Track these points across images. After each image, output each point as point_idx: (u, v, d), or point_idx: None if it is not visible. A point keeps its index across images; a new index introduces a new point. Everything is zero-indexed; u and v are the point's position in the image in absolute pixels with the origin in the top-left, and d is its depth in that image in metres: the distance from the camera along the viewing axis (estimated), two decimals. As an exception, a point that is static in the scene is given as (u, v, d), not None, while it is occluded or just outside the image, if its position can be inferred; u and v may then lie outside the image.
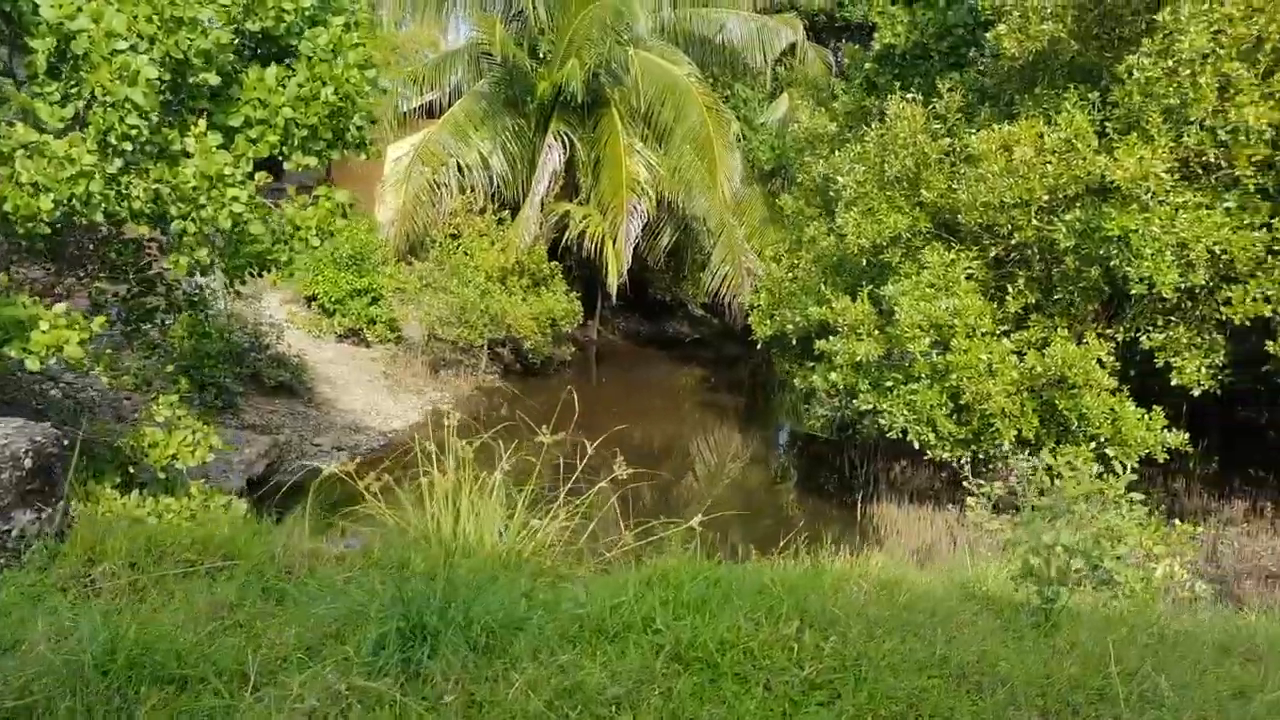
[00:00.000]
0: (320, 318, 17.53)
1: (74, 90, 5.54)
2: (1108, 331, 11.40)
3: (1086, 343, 10.64)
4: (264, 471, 12.02)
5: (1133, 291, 10.32)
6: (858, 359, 11.62)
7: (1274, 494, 12.72)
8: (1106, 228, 10.14)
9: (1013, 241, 11.18)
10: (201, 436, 7.48)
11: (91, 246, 7.36)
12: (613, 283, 20.15)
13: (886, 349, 11.55)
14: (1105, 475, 8.11)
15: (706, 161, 20.13)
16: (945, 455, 11.42)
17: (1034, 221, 10.92)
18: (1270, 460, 13.41)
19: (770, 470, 16.78)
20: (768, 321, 15.00)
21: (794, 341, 14.09)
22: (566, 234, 20.56)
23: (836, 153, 13.02)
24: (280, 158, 6.71)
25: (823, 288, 12.52)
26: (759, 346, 15.69)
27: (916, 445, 11.56)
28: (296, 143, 6.63)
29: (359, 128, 7.12)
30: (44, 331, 5.62)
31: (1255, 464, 13.59)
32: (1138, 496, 7.63)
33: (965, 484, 8.74)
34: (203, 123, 6.00)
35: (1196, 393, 10.82)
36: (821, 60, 24.77)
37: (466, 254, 18.36)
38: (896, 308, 11.18)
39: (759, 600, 4.08)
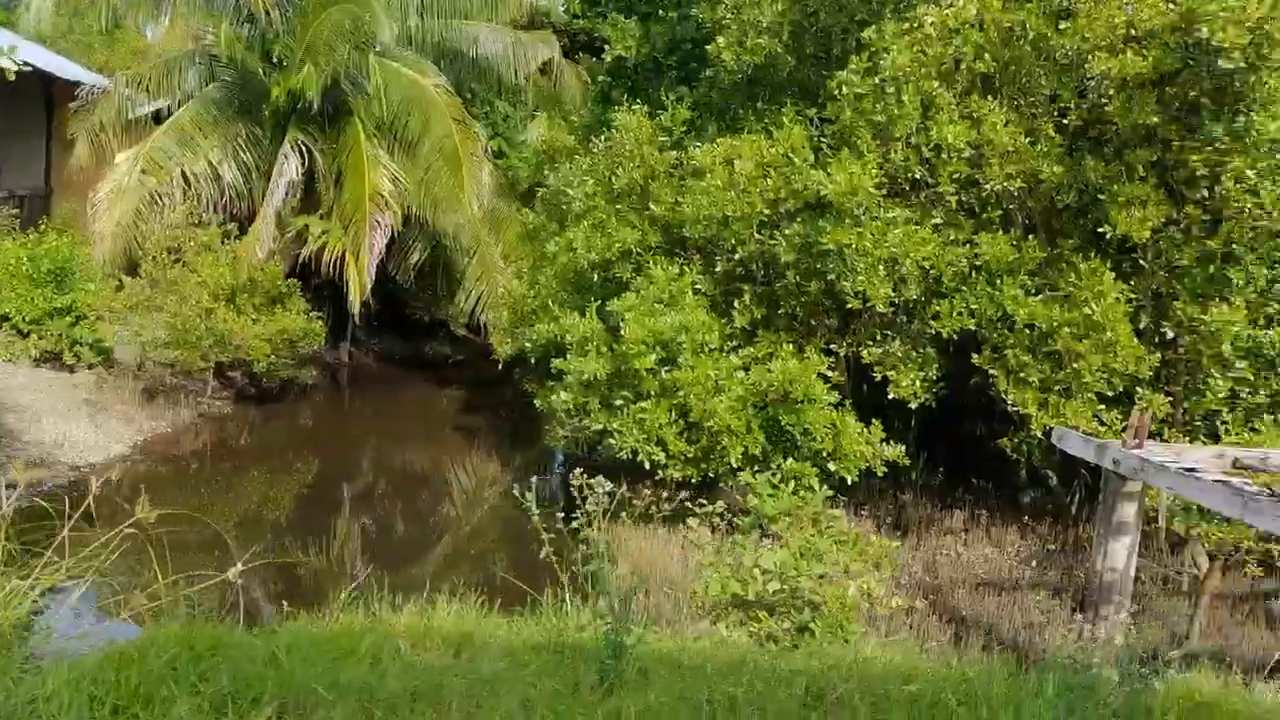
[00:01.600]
0: (13, 339, 15.61)
1: None
2: (832, 346, 11.48)
3: (809, 357, 10.62)
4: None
5: (849, 305, 10.39)
6: (585, 377, 11.20)
7: (991, 503, 13.18)
8: (823, 242, 10.16)
9: (737, 256, 11.08)
10: None
11: None
12: (355, 301, 19.06)
13: (615, 366, 11.18)
14: (811, 491, 7.97)
15: (455, 176, 19.38)
16: (676, 474, 11.16)
17: (756, 235, 10.86)
18: (988, 471, 13.93)
19: (510, 496, 16.13)
20: (509, 340, 14.45)
21: (533, 361, 13.58)
22: (305, 249, 19.32)
23: (569, 164, 12.63)
24: None
25: (550, 304, 12.06)
26: (500, 367, 15.09)
27: (647, 465, 11.23)
28: None
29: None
30: None
31: (977, 475, 14.09)
32: (836, 513, 7.51)
33: (687, 504, 8.44)
34: None
35: (913, 405, 11.02)
36: (577, 77, 24.55)
37: (187, 269, 16.84)
38: (622, 324, 10.84)
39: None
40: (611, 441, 11.25)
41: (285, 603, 6.26)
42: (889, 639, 9.28)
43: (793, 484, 10.98)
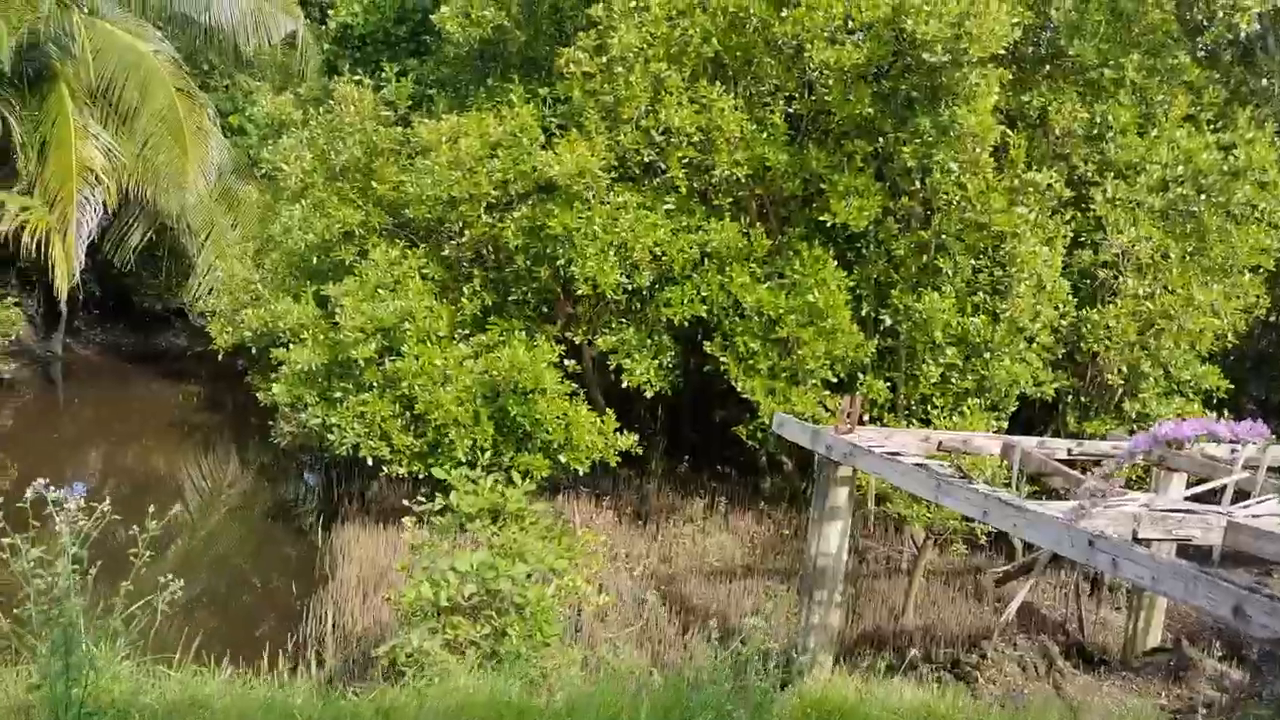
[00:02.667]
0: None
1: None
2: (568, 334, 11.15)
3: (539, 345, 10.22)
4: None
5: (579, 291, 10.07)
6: (300, 368, 10.38)
7: (733, 490, 13.27)
8: (550, 226, 9.78)
9: (465, 239, 10.54)
10: None
11: None
12: (62, 285, 17.23)
13: (334, 356, 10.41)
14: (528, 482, 7.56)
15: (178, 151, 17.84)
16: (402, 470, 10.53)
17: (484, 218, 10.36)
18: (732, 459, 14.05)
19: (233, 498, 15.02)
20: (230, 329, 13.30)
21: (253, 352, 12.55)
22: (2, 228, 17.27)
23: (283, 138, 11.70)
24: None
25: (270, 290, 11.12)
26: (220, 358, 13.92)
27: (370, 461, 10.54)
28: None
29: None
30: None
31: (722, 463, 14.17)
32: (540, 507, 7.13)
33: (404, 502, 7.85)
34: None
35: (649, 394, 10.84)
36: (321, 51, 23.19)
37: None
38: (339, 310, 10.09)
39: None
40: (331, 437, 10.47)
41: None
42: (617, 635, 9.11)
43: (521, 478, 10.65)
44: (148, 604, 3.91)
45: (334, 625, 9.15)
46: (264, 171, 14.04)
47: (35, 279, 19.42)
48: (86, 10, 18.71)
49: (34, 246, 17.11)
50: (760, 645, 4.83)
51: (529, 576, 6.54)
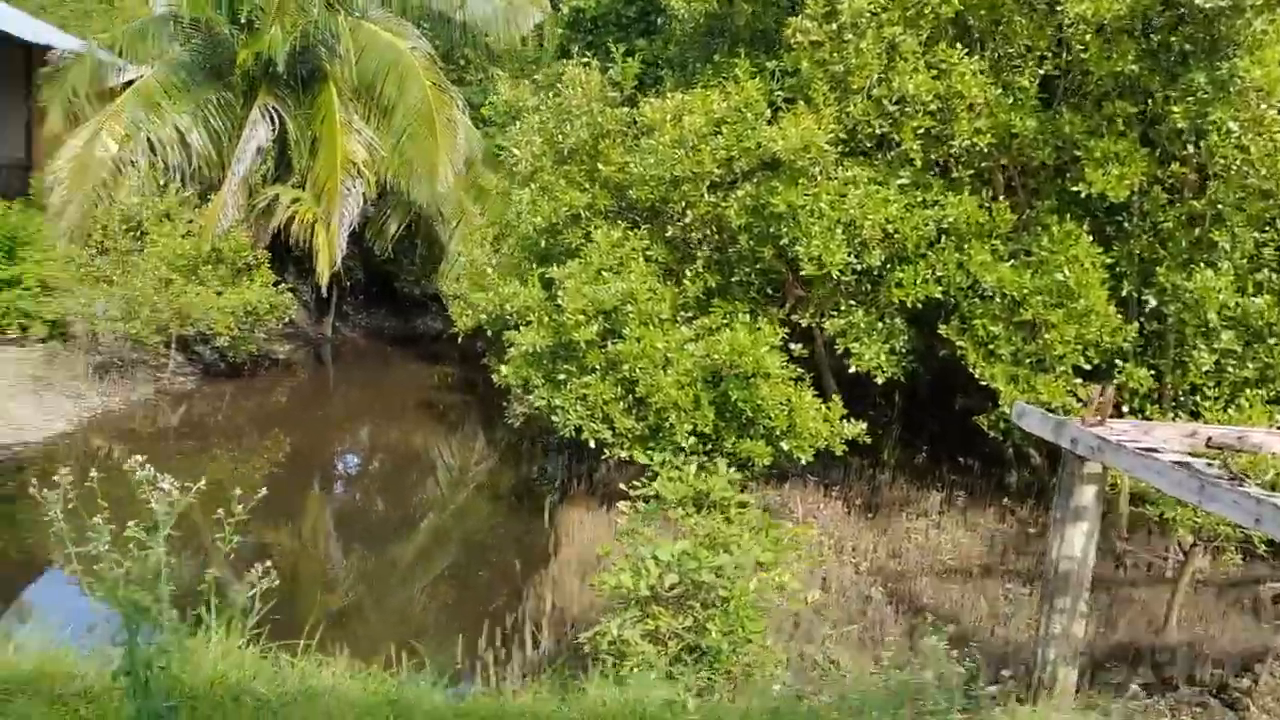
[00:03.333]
0: (-42, 312, 15.13)
1: None
2: (793, 317, 10.72)
3: (761, 328, 9.86)
4: None
5: (804, 272, 9.62)
6: (525, 350, 10.51)
7: (973, 483, 12.41)
8: (774, 204, 9.39)
9: (687, 220, 10.32)
10: None
11: None
12: (324, 272, 18.45)
13: (557, 339, 10.47)
14: (750, 470, 7.24)
15: (430, 143, 18.68)
16: (623, 454, 10.46)
17: (707, 197, 10.09)
18: (976, 450, 13.15)
19: (470, 476, 15.54)
20: (469, 312, 13.75)
21: (489, 334, 12.91)
22: (275, 220, 18.71)
23: (517, 124, 11.89)
24: None
25: (489, 272, 11.35)
26: (459, 340, 14.45)
27: (592, 444, 10.55)
28: None
29: None
30: None
31: (964, 454, 13.31)
32: (746, 498, 6.77)
33: (622, 486, 7.77)
34: None
35: (879, 380, 10.26)
36: (565, 42, 23.77)
37: (145, 239, 16.27)
38: (561, 293, 10.12)
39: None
40: (555, 419, 10.55)
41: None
42: (838, 631, 8.64)
43: (742, 466, 10.34)
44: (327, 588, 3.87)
45: (552, 606, 9.19)
46: (503, 158, 14.41)
47: (309, 267, 20.92)
48: (355, 14, 19.93)
49: (302, 236, 18.40)
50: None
51: (735, 569, 6.23)
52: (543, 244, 11.36)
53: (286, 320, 19.56)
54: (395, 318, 25.60)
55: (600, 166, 10.66)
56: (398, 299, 25.71)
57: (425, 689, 3.87)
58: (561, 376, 10.49)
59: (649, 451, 7.68)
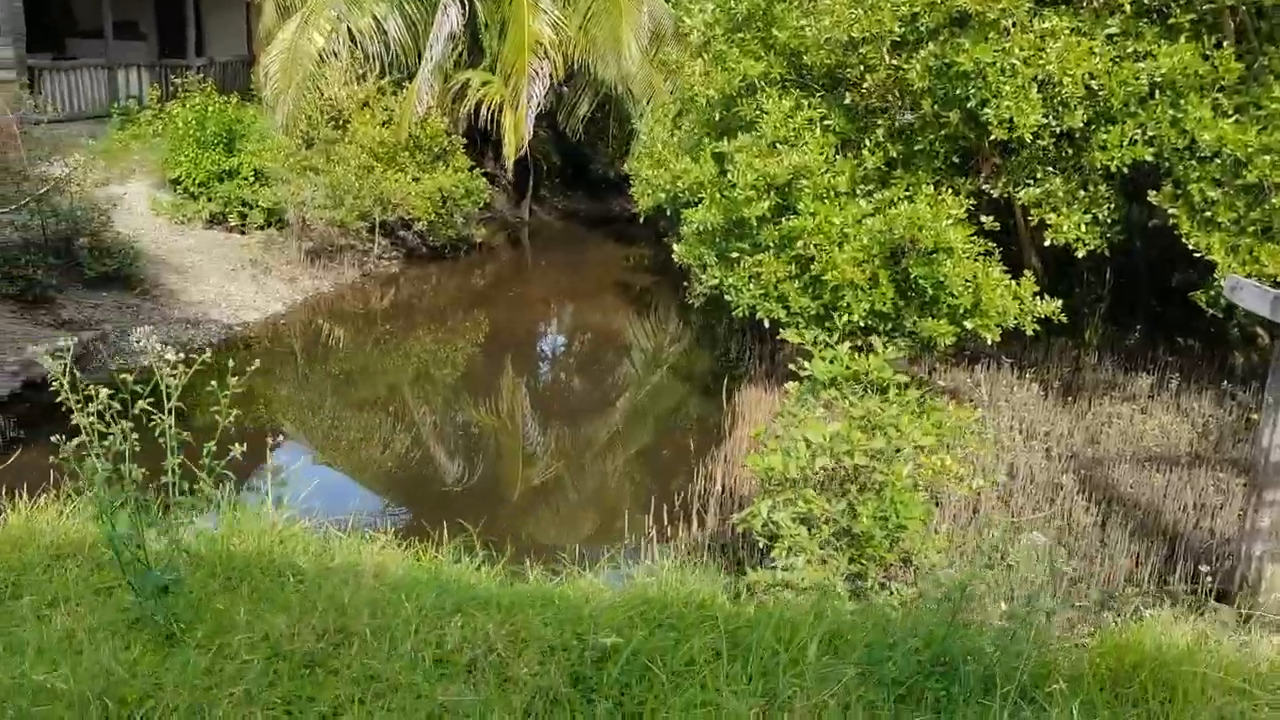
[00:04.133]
0: (185, 202, 16.25)
1: None
2: (983, 188, 9.98)
3: (943, 200, 9.21)
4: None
5: (994, 136, 8.86)
6: (696, 228, 10.28)
7: (1191, 365, 11.40)
8: (960, 62, 8.64)
9: (866, 85, 9.67)
10: None
11: None
12: (510, 154, 18.66)
13: (729, 215, 10.17)
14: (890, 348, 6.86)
15: (613, 20, 18.35)
16: (799, 334, 10.15)
17: (888, 60, 9.40)
18: (1198, 330, 12.05)
19: (651, 355, 15.62)
20: (649, 191, 13.57)
21: (667, 212, 12.73)
22: (465, 104, 19.00)
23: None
24: None
25: (659, 148, 11.07)
26: (642, 221, 14.35)
27: (766, 324, 10.30)
28: None
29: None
30: None
31: (1184, 334, 12.23)
32: (903, 379, 6.38)
33: (790, 365, 7.54)
34: None
35: (1080, 253, 9.45)
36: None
37: (342, 128, 16.90)
38: (731, 167, 9.77)
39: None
40: (729, 298, 10.35)
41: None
42: (1022, 520, 8.20)
43: (924, 345, 9.84)
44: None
45: (722, 487, 9.17)
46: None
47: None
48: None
49: (489, 119, 18.63)
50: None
51: (897, 452, 5.94)
52: (717, 117, 10.97)
53: (485, 204, 20.05)
54: (590, 200, 25.78)
55: (775, 33, 10.10)
56: (592, 181, 25.83)
57: (470, 571, 3.84)
58: (734, 255, 10.22)
59: (803, 330, 7.34)
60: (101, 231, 13.20)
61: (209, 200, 16.15)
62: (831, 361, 6.37)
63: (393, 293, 17.32)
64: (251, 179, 16.34)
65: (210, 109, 16.46)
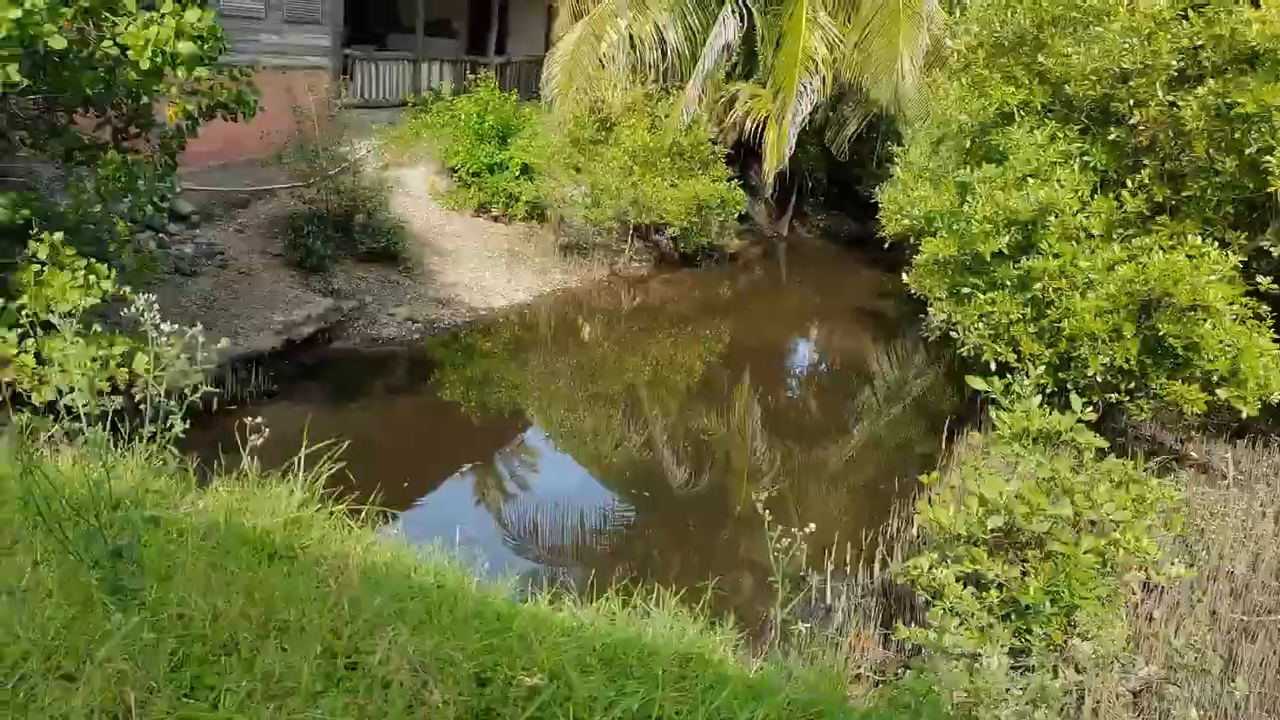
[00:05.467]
0: (458, 190, 17.31)
1: None
2: (1261, 244, 8.91)
3: (1205, 253, 8.29)
4: (311, 334, 11.95)
5: (1273, 189, 7.89)
6: (926, 259, 9.81)
7: None
8: (1243, 103, 7.76)
9: (1134, 121, 8.87)
10: (94, 279, 7.23)
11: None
12: (770, 169, 18.57)
13: (962, 248, 9.63)
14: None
15: (890, 38, 17.86)
16: (984, 384, 9.47)
17: (1161, 96, 8.58)
18: None
19: (878, 386, 15.02)
20: (897, 217, 13.11)
21: (910, 239, 12.23)
22: (730, 116, 19.10)
23: (957, 12, 10.90)
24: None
25: (898, 173, 10.63)
26: (886, 247, 13.89)
27: (993, 366, 9.67)
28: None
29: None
30: None
31: None
32: (1096, 440, 5.76)
33: (991, 408, 7.08)
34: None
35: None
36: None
37: (608, 130, 17.42)
38: (971, 198, 9.24)
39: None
40: (954, 335, 9.81)
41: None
42: (1234, 617, 7.23)
43: (1161, 411, 8.91)
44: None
45: (917, 531, 8.71)
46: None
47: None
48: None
49: (754, 132, 18.63)
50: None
51: (1077, 517, 5.40)
52: (967, 145, 10.43)
53: (743, 216, 20.09)
54: (853, 220, 25.20)
55: (1040, 59, 9.47)
56: (857, 201, 25.27)
57: (463, 579, 3.67)
58: (965, 290, 9.68)
59: (989, 377, 6.74)
60: (377, 211, 14.29)
61: (479, 189, 17.13)
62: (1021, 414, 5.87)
63: (638, 294, 17.69)
64: (519, 173, 17.17)
65: (491, 104, 17.44)
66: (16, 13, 5.49)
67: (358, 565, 2.91)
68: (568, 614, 3.64)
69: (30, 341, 7.26)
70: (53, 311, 7.15)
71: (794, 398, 15.32)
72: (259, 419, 3.80)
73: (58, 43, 5.80)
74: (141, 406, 3.63)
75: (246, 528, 3.18)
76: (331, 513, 3.73)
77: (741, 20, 19.02)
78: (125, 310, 5.05)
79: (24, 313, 7.14)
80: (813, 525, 4.34)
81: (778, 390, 15.51)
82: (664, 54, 19.48)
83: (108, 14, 6.39)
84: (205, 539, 2.95)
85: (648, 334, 16.01)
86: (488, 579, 3.78)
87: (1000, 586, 5.46)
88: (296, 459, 3.91)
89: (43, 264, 7.16)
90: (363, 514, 3.97)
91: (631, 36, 19.25)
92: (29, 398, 7.10)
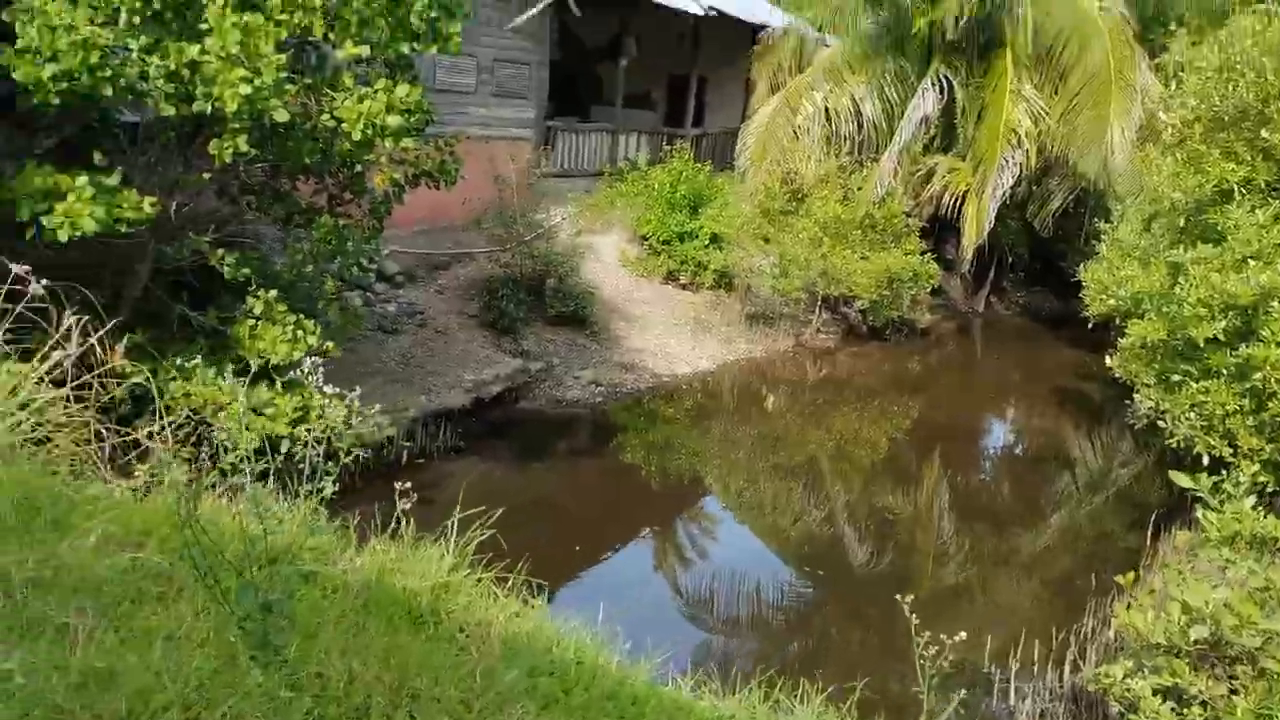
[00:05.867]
0: (648, 257, 17.61)
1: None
2: None
3: None
4: (499, 392, 12.32)
5: None
6: (1133, 342, 9.21)
7: None
8: None
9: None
10: (301, 334, 7.71)
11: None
12: (969, 244, 18.02)
13: (1173, 333, 9.00)
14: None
15: (1102, 110, 17.12)
16: (1188, 481, 8.70)
17: (1407, 173, 7.84)
18: None
19: (1090, 474, 14.09)
20: (1101, 296, 12.45)
21: (1116, 320, 11.56)
22: (928, 189, 18.71)
23: (1173, 85, 10.34)
24: (331, 44, 6.60)
25: (1111, 251, 10.07)
26: (1090, 327, 13.18)
27: (1205, 460, 8.94)
28: (350, 29, 6.47)
29: (425, 17, 6.76)
30: (70, 202, 6.05)
31: None
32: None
33: (1199, 506, 6.55)
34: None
35: None
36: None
37: (798, 201, 17.38)
38: (1184, 279, 8.65)
39: None
40: (1162, 424, 9.15)
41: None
42: None
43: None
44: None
45: (1114, 634, 8.07)
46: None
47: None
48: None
49: (951, 206, 18.17)
50: None
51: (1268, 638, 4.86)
52: (1181, 224, 9.80)
53: (936, 290, 19.58)
54: (1056, 298, 24.12)
55: (1265, 134, 8.84)
56: (1060, 277, 24.18)
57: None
58: (1176, 377, 9.02)
59: (1197, 473, 6.13)
60: (568, 276, 14.70)
61: (668, 257, 17.38)
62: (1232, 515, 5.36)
63: (824, 366, 17.42)
64: (708, 241, 17.33)
65: (683, 174, 17.75)
66: (247, 89, 6.01)
67: (499, 635, 2.91)
68: (708, 704, 3.52)
69: (242, 390, 7.76)
70: (265, 361, 7.67)
71: (986, 480, 14.63)
72: (406, 483, 3.85)
73: (282, 116, 6.31)
74: (301, 464, 3.79)
75: (396, 589, 3.24)
76: (480, 579, 3.77)
77: (941, 93, 18.71)
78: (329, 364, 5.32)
79: (239, 363, 7.69)
80: (963, 634, 4.03)
81: (969, 471, 14.86)
82: (859, 126, 19.37)
83: (329, 90, 6.89)
84: (356, 598, 3.02)
85: (833, 407, 15.72)
86: (633, 655, 3.70)
87: (1204, 704, 4.97)
88: (450, 521, 3.98)
89: (257, 319, 7.69)
90: (510, 582, 3.98)
91: (827, 109, 19.25)
92: (226, 447, 7.56)
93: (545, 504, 10.89)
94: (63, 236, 6.18)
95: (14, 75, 5.79)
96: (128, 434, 3.56)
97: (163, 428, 3.56)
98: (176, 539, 2.77)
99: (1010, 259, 23.29)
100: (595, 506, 11.17)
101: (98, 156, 6.65)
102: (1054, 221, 20.23)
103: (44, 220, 6.16)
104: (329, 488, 3.21)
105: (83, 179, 6.17)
